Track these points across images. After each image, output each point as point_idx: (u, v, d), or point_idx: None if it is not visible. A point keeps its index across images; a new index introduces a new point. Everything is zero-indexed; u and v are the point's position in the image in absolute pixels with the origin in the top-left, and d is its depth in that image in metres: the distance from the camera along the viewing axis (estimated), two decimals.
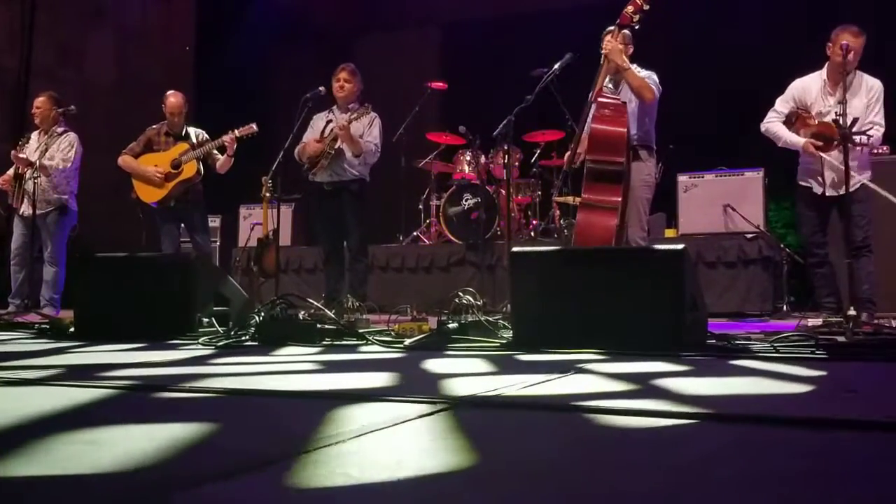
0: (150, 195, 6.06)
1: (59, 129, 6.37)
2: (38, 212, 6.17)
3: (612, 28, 4.70)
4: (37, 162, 6.09)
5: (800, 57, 5.16)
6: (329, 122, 5.68)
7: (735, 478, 1.16)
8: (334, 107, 5.77)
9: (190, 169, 6.01)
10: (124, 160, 6.11)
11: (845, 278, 4.27)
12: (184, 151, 6.04)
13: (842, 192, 4.49)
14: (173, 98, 6.18)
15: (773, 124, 5.03)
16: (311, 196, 5.92)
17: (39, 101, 6.48)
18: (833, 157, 4.67)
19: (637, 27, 4.57)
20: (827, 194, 4.84)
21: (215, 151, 6.09)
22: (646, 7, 4.47)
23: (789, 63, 5.23)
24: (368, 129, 5.60)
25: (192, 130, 6.21)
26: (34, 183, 6.05)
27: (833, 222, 4.97)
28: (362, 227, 5.69)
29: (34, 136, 6.49)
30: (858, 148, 4.60)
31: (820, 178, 4.84)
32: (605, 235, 4.29)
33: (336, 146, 5.53)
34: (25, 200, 6.26)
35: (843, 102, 4.20)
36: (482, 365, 2.76)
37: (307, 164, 5.64)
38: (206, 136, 6.18)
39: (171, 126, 6.19)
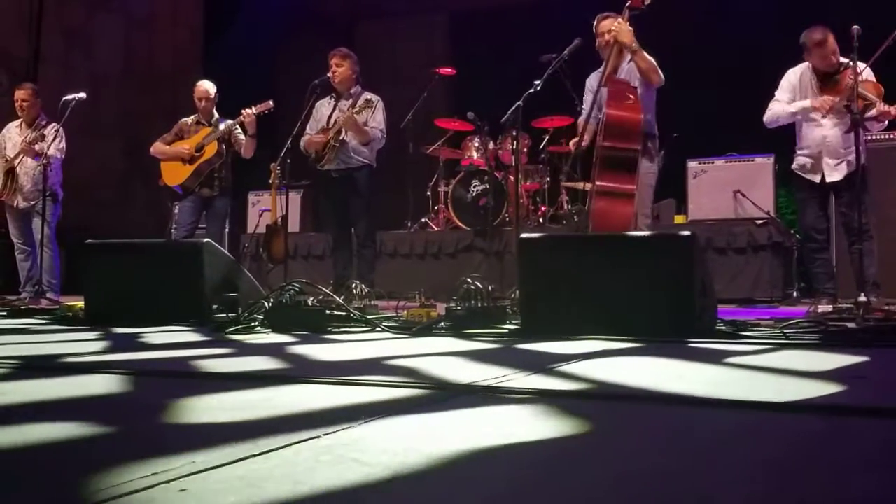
0: (174, 177, 6.09)
1: (43, 122, 6.39)
2: (33, 202, 6.25)
3: (607, 14, 4.69)
4: (44, 152, 6.13)
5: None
6: (333, 110, 5.67)
7: (738, 463, 1.15)
8: (335, 93, 5.75)
9: (210, 149, 6.02)
10: (155, 147, 6.16)
11: (846, 264, 4.27)
12: (207, 135, 6.07)
13: (844, 174, 4.67)
14: (198, 85, 6.24)
15: (773, 107, 4.97)
16: (319, 182, 5.91)
17: (24, 93, 6.46)
18: (831, 136, 4.76)
19: (644, 9, 4.49)
20: (827, 181, 4.83)
21: (238, 132, 6.06)
22: None
23: (799, 46, 5.15)
24: (372, 115, 5.58)
25: (222, 119, 6.20)
26: (43, 172, 6.06)
27: (830, 210, 5.02)
28: (369, 213, 5.69)
29: (13, 128, 6.50)
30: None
31: (814, 164, 4.85)
32: (624, 223, 4.25)
33: (340, 137, 5.51)
34: (19, 195, 6.33)
35: (853, 88, 4.16)
36: (490, 352, 2.76)
37: (313, 157, 5.64)
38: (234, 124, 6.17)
39: (202, 113, 6.21)
